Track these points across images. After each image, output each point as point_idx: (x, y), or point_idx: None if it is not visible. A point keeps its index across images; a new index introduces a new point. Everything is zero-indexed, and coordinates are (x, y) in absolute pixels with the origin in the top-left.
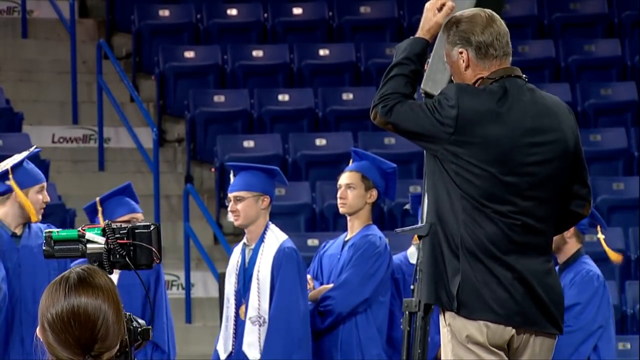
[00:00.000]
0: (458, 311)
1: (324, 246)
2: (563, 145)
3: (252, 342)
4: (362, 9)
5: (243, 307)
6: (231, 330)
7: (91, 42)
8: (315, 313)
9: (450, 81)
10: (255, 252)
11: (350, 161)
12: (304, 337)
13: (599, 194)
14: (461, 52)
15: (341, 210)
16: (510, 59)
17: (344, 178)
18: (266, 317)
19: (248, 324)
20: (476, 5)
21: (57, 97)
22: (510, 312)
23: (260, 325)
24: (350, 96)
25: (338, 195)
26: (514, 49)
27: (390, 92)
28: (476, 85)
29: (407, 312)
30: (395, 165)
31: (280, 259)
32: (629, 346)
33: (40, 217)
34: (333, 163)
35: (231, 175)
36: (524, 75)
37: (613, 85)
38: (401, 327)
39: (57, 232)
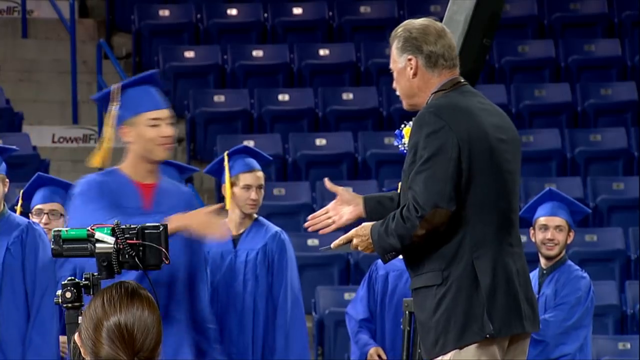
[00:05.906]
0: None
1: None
2: (519, 144)
3: None
4: (362, 9)
5: None
6: None
7: (91, 42)
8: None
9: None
10: None
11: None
12: None
13: (599, 193)
14: (410, 59)
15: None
16: (458, 70)
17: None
18: None
19: None
20: (476, 5)
21: (57, 97)
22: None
23: None
24: (350, 96)
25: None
26: (514, 49)
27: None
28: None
29: (407, 312)
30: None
31: None
32: (629, 346)
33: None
34: (333, 163)
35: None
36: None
37: (613, 85)
38: (401, 327)
39: (66, 230)
